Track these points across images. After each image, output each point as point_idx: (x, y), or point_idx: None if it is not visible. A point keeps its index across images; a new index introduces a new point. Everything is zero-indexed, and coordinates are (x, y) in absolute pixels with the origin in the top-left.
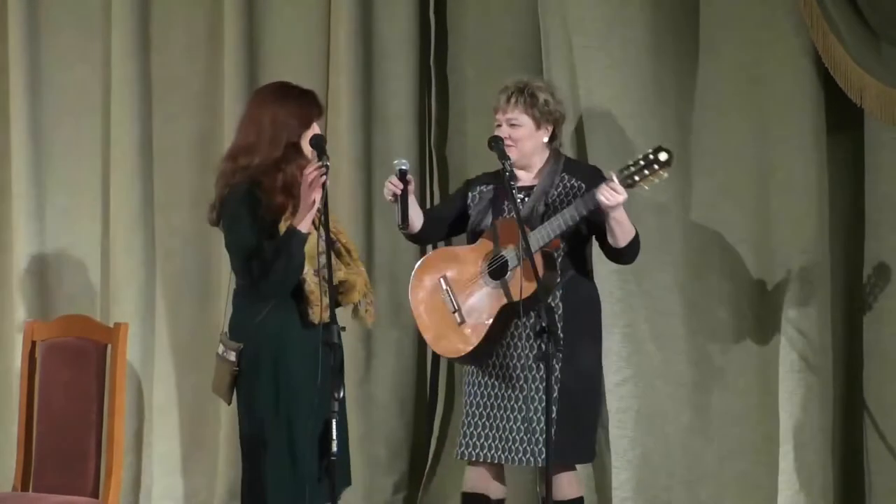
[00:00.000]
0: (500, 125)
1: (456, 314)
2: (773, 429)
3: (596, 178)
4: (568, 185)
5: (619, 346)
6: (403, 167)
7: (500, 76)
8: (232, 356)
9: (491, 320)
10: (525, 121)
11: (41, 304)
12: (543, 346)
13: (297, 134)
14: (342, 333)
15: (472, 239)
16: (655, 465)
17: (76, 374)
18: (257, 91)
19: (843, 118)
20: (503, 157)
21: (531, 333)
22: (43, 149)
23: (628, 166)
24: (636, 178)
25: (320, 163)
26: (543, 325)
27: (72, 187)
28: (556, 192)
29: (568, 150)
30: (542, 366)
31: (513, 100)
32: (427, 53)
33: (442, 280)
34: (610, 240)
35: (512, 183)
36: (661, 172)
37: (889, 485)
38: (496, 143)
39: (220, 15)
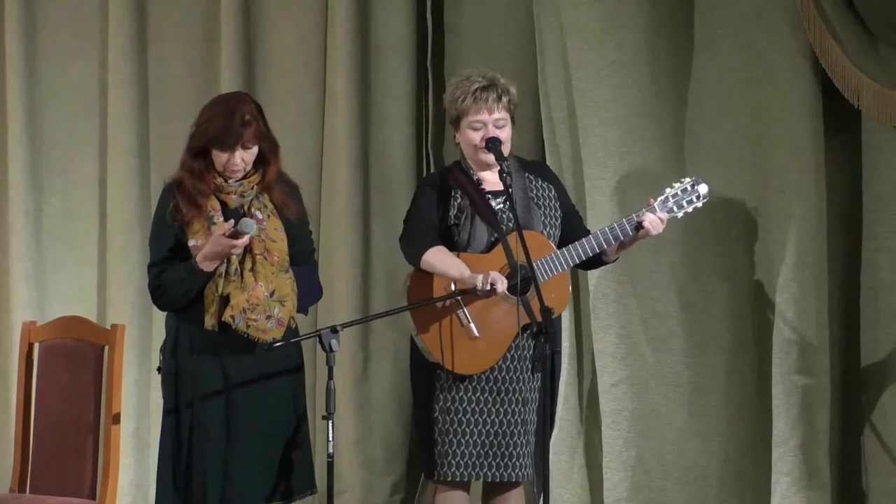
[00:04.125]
0: (479, 128)
1: (468, 328)
2: (769, 430)
3: (554, 178)
4: (539, 185)
5: (614, 347)
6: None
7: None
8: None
9: (511, 339)
10: (508, 119)
11: (38, 306)
12: (540, 348)
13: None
14: (339, 333)
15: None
16: (650, 466)
17: (74, 375)
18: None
19: (840, 119)
20: (501, 158)
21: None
22: (40, 150)
23: (668, 198)
24: (675, 209)
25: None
26: (541, 326)
27: (69, 188)
28: (533, 195)
29: (562, 153)
30: (538, 376)
31: (503, 98)
32: (424, 54)
33: (452, 289)
34: (607, 255)
35: (510, 189)
36: (698, 205)
37: (887, 487)
38: (493, 145)
39: (217, 16)
